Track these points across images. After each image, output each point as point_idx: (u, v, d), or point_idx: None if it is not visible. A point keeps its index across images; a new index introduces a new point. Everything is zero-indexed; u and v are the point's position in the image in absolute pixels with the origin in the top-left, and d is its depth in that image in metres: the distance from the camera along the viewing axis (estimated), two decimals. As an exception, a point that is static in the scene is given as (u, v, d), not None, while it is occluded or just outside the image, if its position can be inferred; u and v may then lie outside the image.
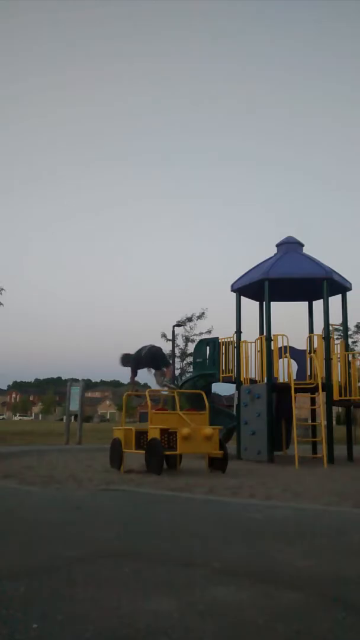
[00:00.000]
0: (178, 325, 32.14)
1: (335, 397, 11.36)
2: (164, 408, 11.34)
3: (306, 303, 14.03)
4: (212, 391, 14.22)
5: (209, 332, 31.78)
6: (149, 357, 8.95)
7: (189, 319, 32.89)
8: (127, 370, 9.42)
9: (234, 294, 12.97)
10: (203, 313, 32.95)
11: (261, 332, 12.90)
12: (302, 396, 12.21)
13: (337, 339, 15.04)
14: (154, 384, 8.92)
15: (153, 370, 8.73)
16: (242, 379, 12.20)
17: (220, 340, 12.94)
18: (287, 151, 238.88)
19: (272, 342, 11.68)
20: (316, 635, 1.96)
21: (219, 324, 71.32)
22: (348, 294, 12.75)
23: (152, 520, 4.40)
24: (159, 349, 8.91)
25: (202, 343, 13.97)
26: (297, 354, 12.64)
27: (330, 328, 12.13)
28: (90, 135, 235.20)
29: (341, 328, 13.89)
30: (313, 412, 12.75)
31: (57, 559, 3.00)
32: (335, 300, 12.65)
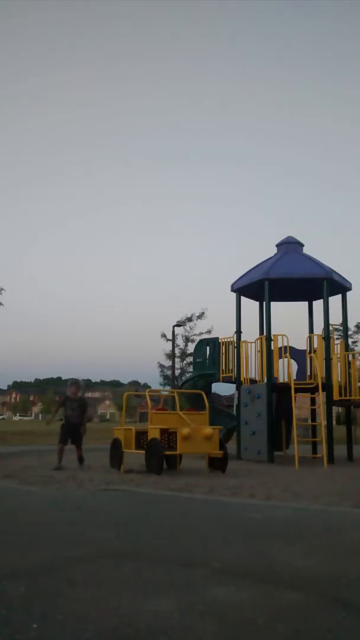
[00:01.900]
0: (178, 325, 32.11)
1: (335, 397, 11.36)
2: (164, 408, 11.35)
3: (306, 303, 14.03)
4: (212, 391, 14.23)
5: (209, 332, 31.74)
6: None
7: (189, 319, 32.85)
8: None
9: (234, 294, 12.97)
10: (203, 313, 32.93)
11: (261, 332, 12.91)
12: (302, 396, 12.21)
13: (337, 339, 15.04)
14: None
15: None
16: (242, 379, 12.20)
17: (220, 340, 12.94)
18: (287, 151, 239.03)
19: (272, 342, 11.68)
20: (316, 635, 1.95)
21: (219, 324, 71.35)
22: (348, 294, 12.76)
23: (152, 520, 4.40)
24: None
25: (202, 343, 13.97)
26: (297, 354, 12.64)
27: (330, 328, 12.13)
28: (90, 135, 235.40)
29: (341, 328, 13.89)
30: (313, 412, 12.75)
31: (57, 559, 3.00)
32: (335, 300, 12.68)
